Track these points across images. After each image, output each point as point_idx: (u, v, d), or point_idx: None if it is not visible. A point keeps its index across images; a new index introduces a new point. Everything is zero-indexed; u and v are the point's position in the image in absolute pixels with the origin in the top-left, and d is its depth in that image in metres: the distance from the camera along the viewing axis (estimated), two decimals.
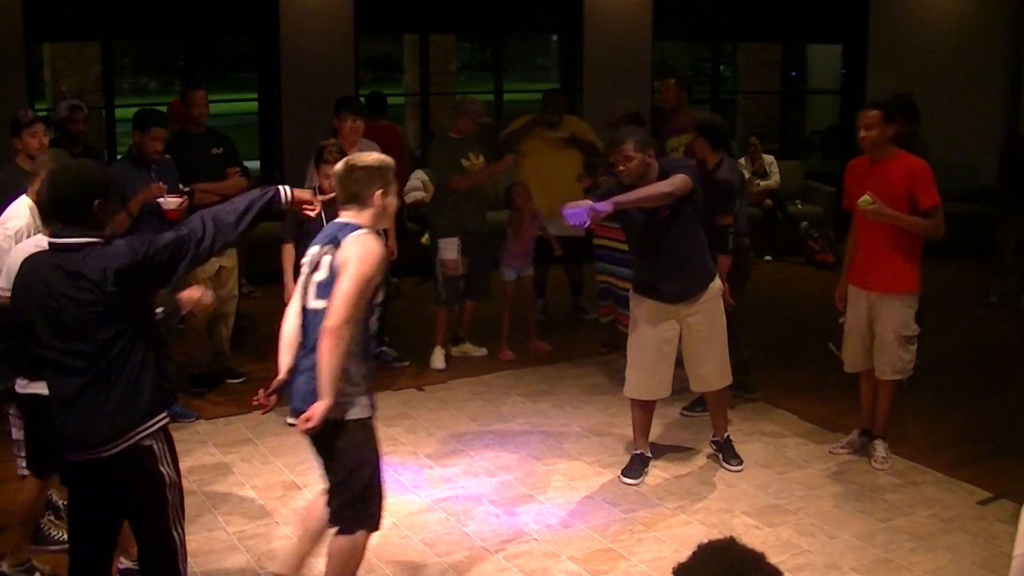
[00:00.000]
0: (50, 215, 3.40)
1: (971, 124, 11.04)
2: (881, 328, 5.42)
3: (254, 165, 10.13)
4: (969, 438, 5.97)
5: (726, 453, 5.55)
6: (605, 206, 4.71)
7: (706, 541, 1.87)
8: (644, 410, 5.43)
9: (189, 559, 4.47)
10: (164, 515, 3.40)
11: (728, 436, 5.59)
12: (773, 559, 4.79)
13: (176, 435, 5.96)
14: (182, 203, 5.89)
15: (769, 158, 10.92)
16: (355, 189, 3.74)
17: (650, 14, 10.66)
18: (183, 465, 5.45)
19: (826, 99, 15.13)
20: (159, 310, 3.65)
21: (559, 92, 8.38)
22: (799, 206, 10.94)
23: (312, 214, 3.89)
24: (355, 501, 3.78)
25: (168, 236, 3.32)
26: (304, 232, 5.97)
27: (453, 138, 7.13)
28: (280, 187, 3.62)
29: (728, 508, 5.08)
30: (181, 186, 6.09)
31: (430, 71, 11.36)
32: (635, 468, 5.39)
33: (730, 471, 5.48)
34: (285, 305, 6.12)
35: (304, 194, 3.72)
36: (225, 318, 6.77)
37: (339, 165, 3.81)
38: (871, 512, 5.04)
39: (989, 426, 6.20)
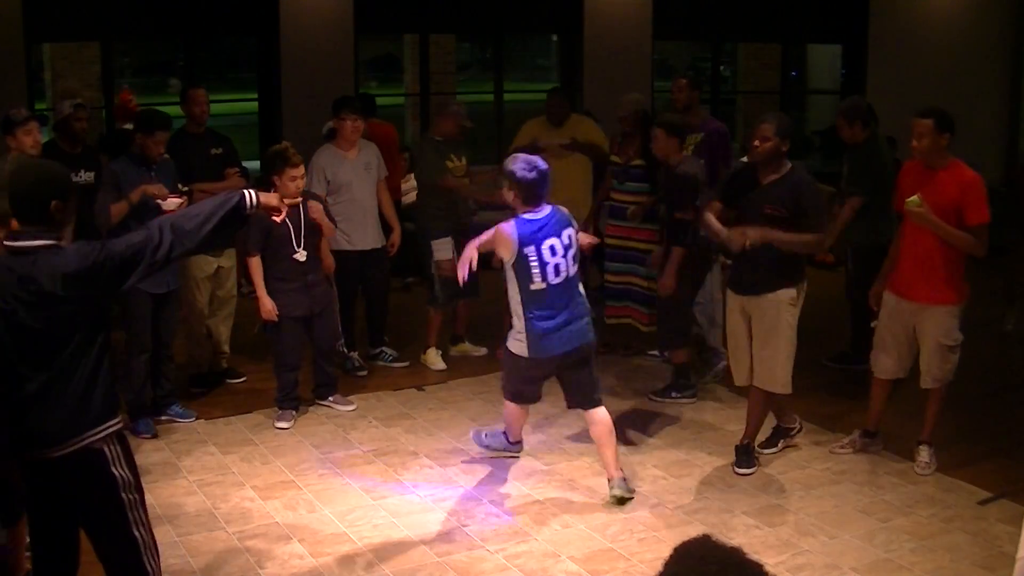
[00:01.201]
0: (12, 215, 3.36)
1: (971, 125, 10.95)
2: (923, 337, 5.39)
3: (254, 165, 10.12)
4: (969, 438, 5.97)
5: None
6: (755, 234, 5.12)
7: (682, 542, 1.87)
8: (747, 396, 5.63)
9: (189, 559, 4.50)
10: (123, 516, 3.36)
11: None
12: (773, 559, 4.78)
13: (176, 435, 6.02)
14: (181, 204, 5.88)
15: None
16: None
17: (650, 14, 10.66)
18: (183, 465, 5.51)
19: (826, 99, 15.13)
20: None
21: (561, 92, 8.29)
22: None
23: (279, 220, 3.87)
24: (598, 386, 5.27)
25: (123, 243, 3.28)
26: (273, 239, 5.97)
27: (436, 140, 7.12)
28: (246, 191, 3.53)
29: (728, 508, 5.08)
30: (180, 186, 6.09)
31: (430, 71, 11.37)
32: (743, 459, 5.53)
33: (735, 472, 5.47)
34: (264, 320, 6.15)
35: (271, 199, 3.64)
36: (225, 318, 6.77)
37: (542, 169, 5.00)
38: (871, 512, 5.04)
39: (989, 426, 6.20)
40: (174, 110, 6.97)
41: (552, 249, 4.93)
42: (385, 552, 4.63)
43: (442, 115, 7.19)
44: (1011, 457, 5.71)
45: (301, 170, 5.90)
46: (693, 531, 4.79)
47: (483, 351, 7.39)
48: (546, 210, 5.00)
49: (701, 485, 5.35)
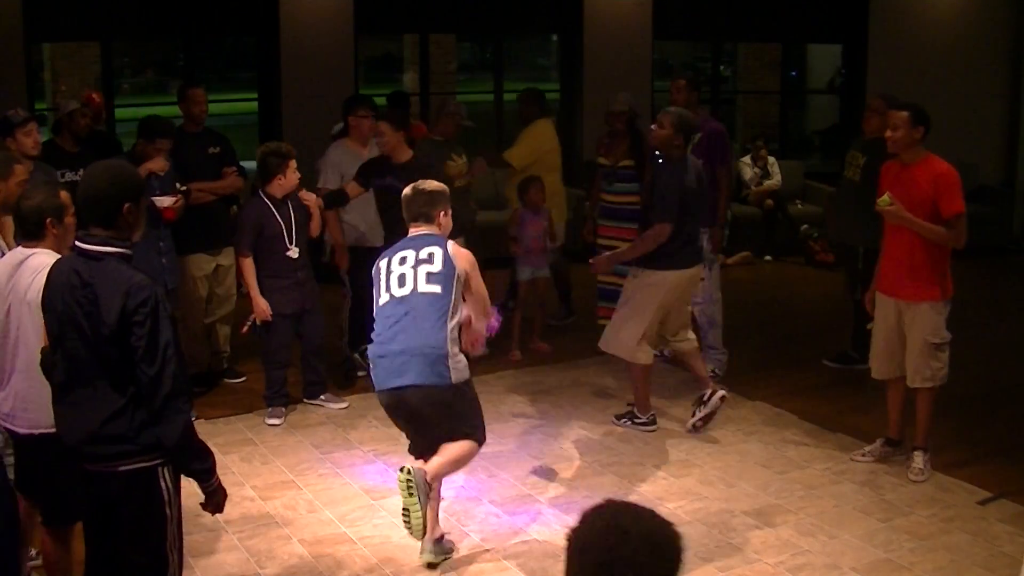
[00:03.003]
0: (82, 215, 3.34)
1: (971, 124, 11.04)
2: (910, 335, 5.37)
3: (252, 165, 10.11)
4: (968, 438, 5.97)
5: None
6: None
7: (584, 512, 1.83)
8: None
9: (190, 559, 4.49)
10: (161, 532, 3.32)
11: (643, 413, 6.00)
12: (773, 559, 4.77)
13: None
14: (176, 202, 5.88)
15: (770, 158, 10.93)
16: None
17: (650, 14, 10.65)
18: None
19: (826, 99, 15.13)
20: None
21: (529, 93, 8.24)
22: (799, 206, 10.95)
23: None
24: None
25: (161, 337, 3.15)
26: (265, 237, 6.00)
27: (436, 140, 7.15)
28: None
29: (728, 508, 5.08)
30: (178, 184, 6.08)
31: (430, 71, 11.36)
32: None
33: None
34: (255, 319, 6.11)
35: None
36: (224, 317, 6.77)
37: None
38: (871, 512, 5.04)
39: (988, 426, 6.20)
40: (172, 110, 6.97)
41: (403, 259, 4.38)
42: (385, 552, 4.63)
43: (441, 115, 7.25)
44: (1011, 457, 5.71)
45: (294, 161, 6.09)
46: (693, 531, 4.80)
47: (484, 351, 7.38)
48: (422, 230, 4.46)
49: (701, 485, 5.34)
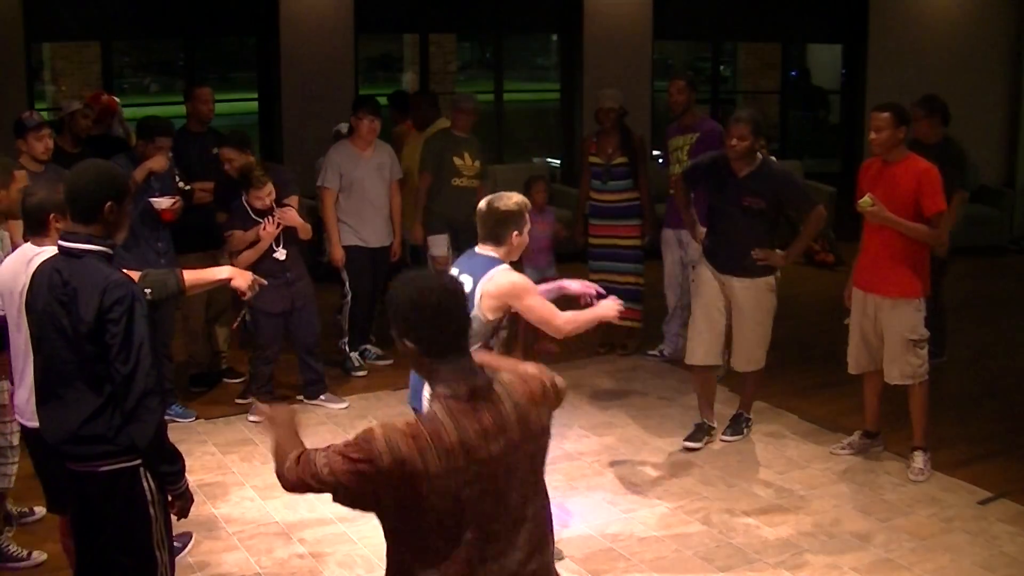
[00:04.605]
0: (68, 213, 3.35)
1: (971, 124, 10.99)
2: (888, 333, 5.38)
3: None
4: (969, 438, 5.97)
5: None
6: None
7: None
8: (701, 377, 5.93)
9: (189, 559, 4.50)
10: (147, 533, 3.31)
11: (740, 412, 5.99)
12: (773, 559, 4.77)
13: (176, 435, 5.97)
14: (175, 203, 5.87)
15: (771, 158, 10.91)
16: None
17: (650, 14, 10.66)
18: None
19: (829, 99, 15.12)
20: (147, 291, 3.43)
21: (427, 95, 8.18)
22: None
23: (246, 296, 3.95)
24: None
25: (136, 336, 3.13)
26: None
27: (455, 136, 7.12)
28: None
29: (728, 508, 5.08)
30: (181, 184, 6.08)
31: (430, 71, 11.37)
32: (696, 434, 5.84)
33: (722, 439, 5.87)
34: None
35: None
36: (223, 318, 6.77)
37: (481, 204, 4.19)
38: (871, 512, 5.04)
39: (989, 426, 6.20)
40: (175, 110, 6.97)
41: None
42: (384, 552, 4.62)
43: (458, 110, 7.17)
44: (1011, 457, 5.71)
45: (268, 188, 6.02)
46: (693, 531, 4.81)
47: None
48: (485, 251, 4.16)
49: (701, 485, 5.34)
